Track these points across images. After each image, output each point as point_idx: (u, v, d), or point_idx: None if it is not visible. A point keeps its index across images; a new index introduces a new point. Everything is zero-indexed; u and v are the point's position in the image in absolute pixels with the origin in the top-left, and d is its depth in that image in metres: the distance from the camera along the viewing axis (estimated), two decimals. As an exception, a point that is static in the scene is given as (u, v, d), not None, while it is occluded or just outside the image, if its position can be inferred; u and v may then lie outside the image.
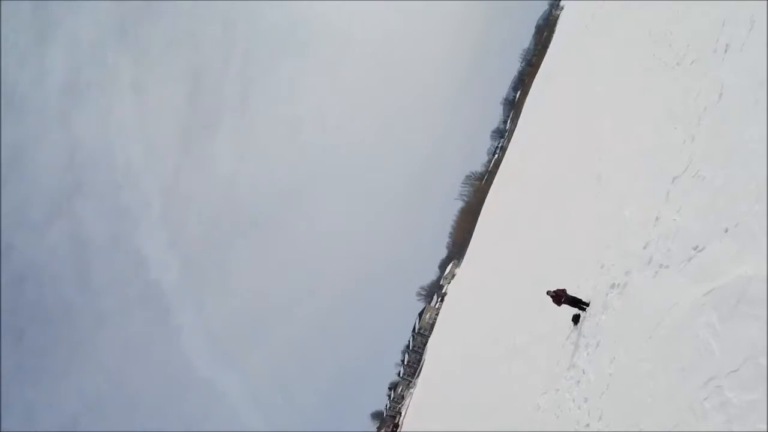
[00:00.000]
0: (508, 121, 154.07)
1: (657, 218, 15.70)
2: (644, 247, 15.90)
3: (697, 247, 12.24)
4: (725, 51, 15.04)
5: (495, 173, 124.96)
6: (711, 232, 11.75)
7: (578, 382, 16.47)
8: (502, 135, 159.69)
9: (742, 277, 9.56)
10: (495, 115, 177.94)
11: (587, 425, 13.99)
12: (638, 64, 26.71)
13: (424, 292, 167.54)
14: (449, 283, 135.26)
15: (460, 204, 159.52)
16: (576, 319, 19.03)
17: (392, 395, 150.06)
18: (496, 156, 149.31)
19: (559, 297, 18.92)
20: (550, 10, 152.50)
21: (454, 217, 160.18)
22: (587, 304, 18.57)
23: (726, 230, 11.05)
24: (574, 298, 18.94)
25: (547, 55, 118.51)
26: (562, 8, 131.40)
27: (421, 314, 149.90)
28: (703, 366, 9.69)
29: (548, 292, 19.27)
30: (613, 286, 17.09)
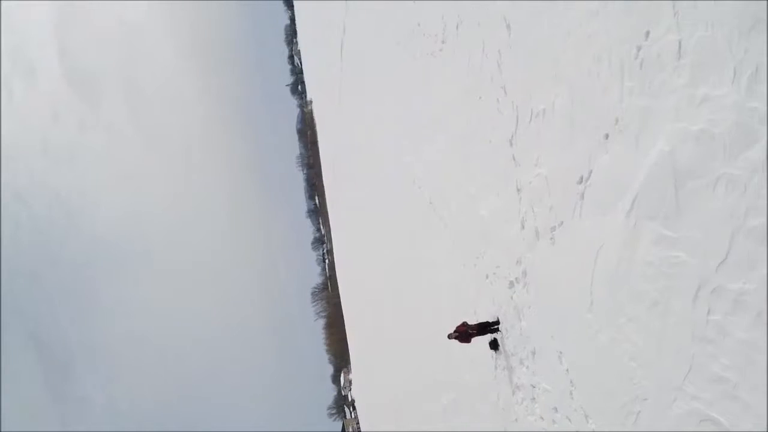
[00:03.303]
0: (321, 227, 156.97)
1: (518, 189, 14.56)
2: (522, 228, 14.58)
3: (581, 178, 10.96)
4: None
5: (335, 276, 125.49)
6: (589, 152, 10.53)
7: (533, 399, 14.50)
8: (322, 241, 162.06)
9: (661, 160, 7.85)
10: (308, 229, 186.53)
11: (578, 433, 11.67)
12: (408, 75, 26.28)
13: (333, 410, 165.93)
14: (350, 390, 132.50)
15: (322, 321, 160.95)
16: (494, 344, 17.05)
17: None
18: (327, 261, 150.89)
19: (465, 333, 16.99)
20: (302, 111, 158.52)
21: (324, 334, 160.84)
22: (498, 323, 16.72)
23: (607, 136, 9.82)
24: (481, 324, 17.23)
25: (320, 150, 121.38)
26: (311, 102, 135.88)
27: (343, 429, 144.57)
28: (677, 286, 8.02)
29: (450, 336, 17.31)
30: (511, 284, 15.60)
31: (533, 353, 14.40)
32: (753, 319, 6.53)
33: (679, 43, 7.23)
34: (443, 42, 19.48)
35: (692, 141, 7.30)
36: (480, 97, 16.20)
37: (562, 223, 12.05)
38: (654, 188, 8.37)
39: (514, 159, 14.42)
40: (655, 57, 7.85)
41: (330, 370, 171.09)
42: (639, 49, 8.21)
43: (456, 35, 17.94)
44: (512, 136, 14.32)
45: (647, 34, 7.93)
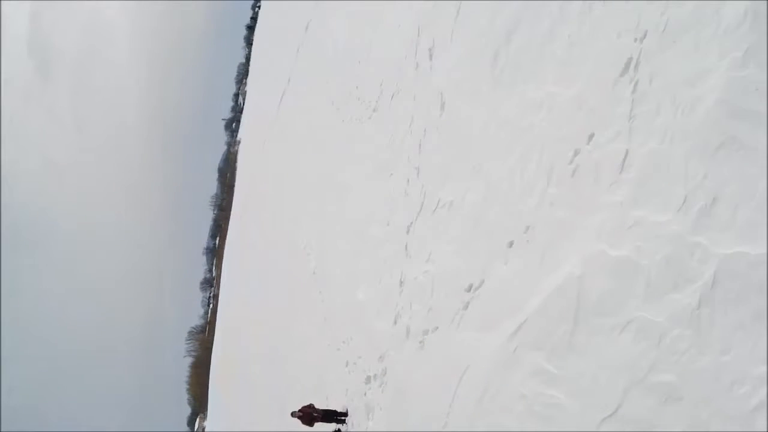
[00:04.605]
0: (213, 269, 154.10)
1: (402, 282, 13.29)
2: (394, 323, 13.29)
3: (471, 286, 9.70)
4: (431, 58, 13.59)
5: (214, 321, 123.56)
6: (486, 259, 9.28)
7: None
8: (211, 284, 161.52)
9: (566, 284, 6.63)
10: (202, 267, 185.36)
11: None
12: (331, 138, 25.31)
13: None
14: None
15: (189, 360, 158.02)
16: None
17: None
18: (211, 305, 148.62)
19: (309, 415, 15.95)
20: (228, 149, 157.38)
21: (187, 374, 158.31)
22: (346, 415, 15.56)
23: (511, 244, 8.60)
24: (328, 411, 16.11)
25: (235, 192, 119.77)
26: (239, 142, 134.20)
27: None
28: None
29: (293, 414, 16.31)
30: (368, 380, 14.24)
31: (372, 458, 12.96)
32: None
33: (626, 153, 6.11)
34: (374, 110, 18.54)
35: (609, 269, 6.09)
36: (391, 174, 15.14)
37: (437, 328, 10.76)
38: (549, 315, 7.11)
39: (406, 248, 13.26)
40: (592, 165, 6.71)
41: (188, 409, 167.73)
42: (576, 153, 7.09)
43: (389, 105, 16.98)
44: (411, 224, 13.19)
45: (591, 137, 6.81)
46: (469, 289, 9.62)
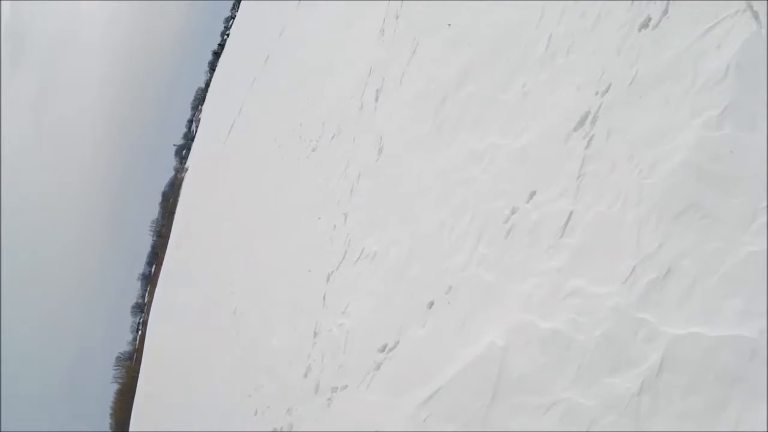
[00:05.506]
0: (146, 295, 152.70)
1: (316, 333, 12.33)
2: (305, 376, 12.24)
3: (385, 346, 8.82)
4: (376, 99, 13.05)
5: (142, 349, 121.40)
6: (403, 318, 8.46)
7: None
8: (142, 309, 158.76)
9: (488, 354, 5.95)
10: (134, 291, 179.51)
11: None
12: (268, 175, 24.59)
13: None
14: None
15: (116, 386, 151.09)
16: None
17: None
18: (140, 331, 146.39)
19: None
20: (176, 174, 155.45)
21: (112, 399, 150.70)
22: None
23: (431, 305, 7.79)
24: None
25: (174, 221, 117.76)
26: (187, 170, 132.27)
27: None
28: None
29: None
30: None
31: None
32: None
33: (570, 215, 5.38)
34: (313, 150, 17.90)
35: (537, 342, 5.29)
36: (319, 218, 14.42)
37: (346, 386, 9.78)
38: (465, 386, 6.25)
39: (324, 298, 12.42)
40: (530, 226, 5.98)
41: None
42: (513, 211, 6.36)
43: (328, 146, 16.35)
44: (332, 272, 12.39)
45: (531, 195, 6.10)
46: (382, 350, 8.76)
